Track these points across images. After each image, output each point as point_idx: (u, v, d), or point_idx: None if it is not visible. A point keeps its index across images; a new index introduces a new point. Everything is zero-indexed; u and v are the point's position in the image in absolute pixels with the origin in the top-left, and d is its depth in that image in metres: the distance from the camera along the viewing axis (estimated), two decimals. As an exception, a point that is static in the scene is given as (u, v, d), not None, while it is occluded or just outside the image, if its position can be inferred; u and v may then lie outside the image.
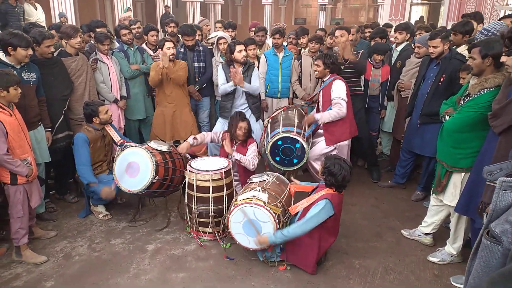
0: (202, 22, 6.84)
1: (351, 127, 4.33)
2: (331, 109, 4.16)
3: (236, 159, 3.87)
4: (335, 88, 4.16)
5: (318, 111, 4.44)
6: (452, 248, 3.32)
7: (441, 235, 3.61)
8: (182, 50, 5.22)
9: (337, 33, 4.78)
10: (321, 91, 4.34)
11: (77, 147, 3.78)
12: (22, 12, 9.09)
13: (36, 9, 9.59)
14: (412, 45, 4.82)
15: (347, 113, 4.15)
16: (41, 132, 3.75)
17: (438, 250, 3.46)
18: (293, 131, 3.99)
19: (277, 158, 4.08)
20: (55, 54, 4.04)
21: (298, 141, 3.96)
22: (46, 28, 5.24)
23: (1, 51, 3.46)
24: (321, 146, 4.28)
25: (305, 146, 3.97)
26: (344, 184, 3.07)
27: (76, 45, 4.20)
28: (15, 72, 3.26)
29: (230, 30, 5.98)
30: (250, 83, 4.49)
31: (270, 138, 4.04)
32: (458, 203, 3.07)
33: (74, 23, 9.55)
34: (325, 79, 4.30)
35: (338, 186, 3.08)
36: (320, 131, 4.35)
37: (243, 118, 3.99)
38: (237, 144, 4.05)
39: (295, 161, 4.05)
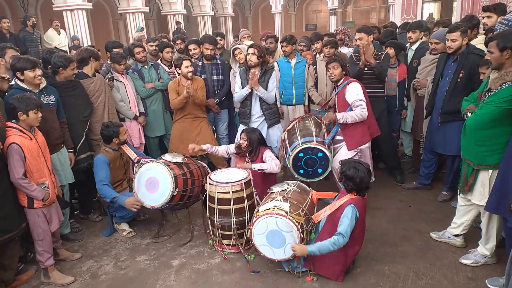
0: (241, 33, 6.72)
1: (371, 128, 4.21)
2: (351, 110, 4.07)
3: (258, 170, 3.85)
4: (351, 90, 4.06)
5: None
6: (485, 249, 3.20)
7: (472, 236, 3.49)
8: (200, 63, 5.21)
9: (356, 36, 4.58)
10: (336, 95, 4.27)
11: (96, 168, 3.82)
12: (39, 38, 9.39)
13: (59, 33, 9.88)
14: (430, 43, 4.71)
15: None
16: (64, 154, 3.82)
17: (470, 251, 3.34)
18: (313, 141, 3.83)
19: (301, 171, 3.93)
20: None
21: (320, 150, 3.82)
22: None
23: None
24: (343, 152, 4.13)
25: (327, 154, 3.82)
26: (363, 186, 3.00)
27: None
28: (35, 97, 3.29)
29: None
30: (266, 89, 4.41)
31: (291, 151, 3.89)
32: (488, 202, 2.97)
33: (89, 44, 9.74)
34: (339, 83, 4.21)
35: (358, 190, 3.02)
36: (339, 137, 4.21)
37: (243, 132, 4.13)
38: (248, 159, 4.02)
39: (319, 171, 3.90)
